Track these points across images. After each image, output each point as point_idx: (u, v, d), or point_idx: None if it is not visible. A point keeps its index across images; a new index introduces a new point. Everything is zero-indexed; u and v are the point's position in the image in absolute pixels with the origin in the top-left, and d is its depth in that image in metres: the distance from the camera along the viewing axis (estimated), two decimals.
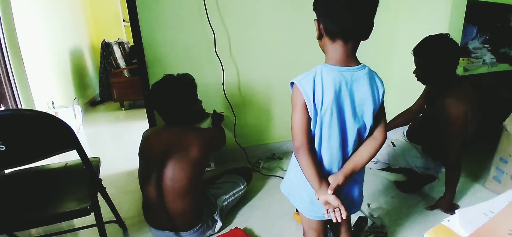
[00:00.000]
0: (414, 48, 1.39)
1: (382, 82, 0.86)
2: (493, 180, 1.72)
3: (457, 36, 1.81)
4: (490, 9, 2.02)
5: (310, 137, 0.84)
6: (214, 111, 1.70)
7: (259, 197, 1.74)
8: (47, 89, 2.71)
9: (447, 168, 1.49)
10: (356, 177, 0.92)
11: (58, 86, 3.02)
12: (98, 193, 1.24)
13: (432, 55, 1.34)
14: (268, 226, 1.49)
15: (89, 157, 1.09)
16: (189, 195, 1.28)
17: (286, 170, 2.05)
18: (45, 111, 1.00)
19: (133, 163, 2.06)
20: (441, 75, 1.38)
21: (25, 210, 1.07)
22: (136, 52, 1.79)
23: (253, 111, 2.10)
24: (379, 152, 0.90)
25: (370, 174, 1.85)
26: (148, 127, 1.81)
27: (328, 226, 1.18)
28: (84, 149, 1.05)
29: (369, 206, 1.60)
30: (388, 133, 0.93)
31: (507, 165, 1.63)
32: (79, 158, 1.06)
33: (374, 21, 0.78)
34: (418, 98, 1.66)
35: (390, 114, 1.24)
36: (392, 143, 1.64)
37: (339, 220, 0.87)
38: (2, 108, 1.78)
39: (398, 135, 1.68)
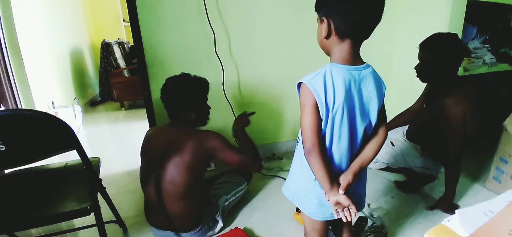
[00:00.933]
0: (421, 42, 1.38)
1: (383, 81, 0.87)
2: (493, 180, 1.72)
3: None
4: (490, 9, 2.01)
5: (320, 137, 0.83)
6: (238, 117, 1.55)
7: (259, 197, 1.74)
8: (47, 89, 2.71)
9: (446, 168, 1.49)
10: (362, 174, 0.92)
11: (58, 86, 3.02)
12: (98, 193, 1.24)
13: (439, 51, 1.34)
14: (268, 226, 1.49)
15: (89, 157, 1.09)
16: (188, 198, 1.28)
17: (286, 170, 2.09)
18: (45, 111, 1.00)
19: (133, 163, 2.07)
20: (443, 73, 1.38)
21: (25, 210, 1.07)
22: (136, 52, 1.79)
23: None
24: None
25: (370, 174, 1.82)
26: (148, 127, 1.82)
27: (330, 227, 1.18)
28: (84, 149, 1.05)
29: (369, 206, 1.60)
30: (387, 133, 0.93)
31: (507, 165, 1.63)
32: (79, 158, 1.07)
33: None
34: (418, 98, 1.66)
35: (390, 114, 1.24)
36: (392, 142, 1.65)
37: (349, 220, 0.86)
38: (2, 108, 1.78)
39: (397, 135, 1.68)
